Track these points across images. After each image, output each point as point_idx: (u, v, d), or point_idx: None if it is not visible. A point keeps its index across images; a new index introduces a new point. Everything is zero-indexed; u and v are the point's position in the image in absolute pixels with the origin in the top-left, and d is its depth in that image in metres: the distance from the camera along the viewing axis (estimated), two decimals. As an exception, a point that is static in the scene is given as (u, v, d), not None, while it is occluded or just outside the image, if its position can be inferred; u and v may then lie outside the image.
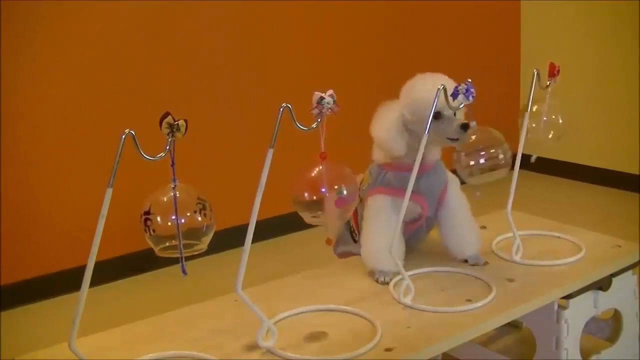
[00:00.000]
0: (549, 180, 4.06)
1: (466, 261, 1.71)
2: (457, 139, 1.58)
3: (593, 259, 1.73)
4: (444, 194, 1.71)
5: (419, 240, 1.79)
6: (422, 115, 1.55)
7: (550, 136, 1.75)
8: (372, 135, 1.67)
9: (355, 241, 1.81)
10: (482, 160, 1.58)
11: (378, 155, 1.72)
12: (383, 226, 1.64)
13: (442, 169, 1.72)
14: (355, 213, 1.78)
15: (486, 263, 1.71)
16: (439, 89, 1.43)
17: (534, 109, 1.74)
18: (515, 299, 1.54)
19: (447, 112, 1.58)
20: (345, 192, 1.32)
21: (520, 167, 1.71)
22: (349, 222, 1.83)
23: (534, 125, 1.74)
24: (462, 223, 1.72)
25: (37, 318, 2.73)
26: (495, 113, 4.13)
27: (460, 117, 1.59)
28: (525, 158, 1.75)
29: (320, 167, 1.31)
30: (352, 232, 1.83)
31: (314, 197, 1.32)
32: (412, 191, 1.51)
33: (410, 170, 1.50)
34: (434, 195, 1.69)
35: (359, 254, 1.70)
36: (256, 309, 1.32)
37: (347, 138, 3.48)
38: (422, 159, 1.56)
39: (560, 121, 1.74)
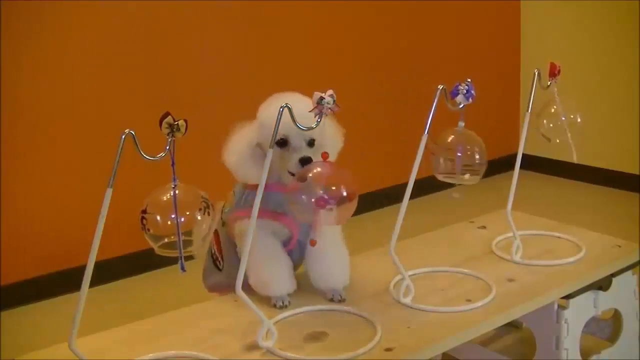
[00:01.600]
0: (549, 180, 4.06)
1: (331, 298, 1.54)
2: (293, 174, 1.44)
3: (593, 259, 1.73)
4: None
5: (296, 265, 1.59)
6: (267, 138, 1.37)
7: (569, 135, 1.72)
8: (224, 161, 1.52)
9: (219, 269, 1.65)
10: (457, 160, 1.48)
11: (238, 171, 1.56)
12: (262, 249, 1.49)
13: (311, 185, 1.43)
14: (217, 238, 1.63)
15: (344, 300, 1.53)
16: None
17: (552, 110, 1.71)
18: (515, 299, 1.54)
19: (295, 141, 1.45)
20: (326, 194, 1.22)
21: (521, 167, 1.71)
22: (210, 249, 1.66)
23: (551, 125, 1.72)
24: (328, 252, 1.54)
25: (37, 318, 2.73)
26: (495, 113, 4.15)
27: (334, 139, 1.50)
28: (526, 158, 1.75)
29: (319, 169, 1.28)
30: (215, 259, 1.66)
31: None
32: (279, 212, 1.46)
33: (274, 190, 1.42)
34: (297, 220, 1.49)
35: (229, 285, 1.52)
36: (256, 309, 1.32)
37: (346, 138, 3.48)
38: (281, 176, 1.48)
39: (579, 120, 1.72)
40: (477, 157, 1.48)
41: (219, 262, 1.65)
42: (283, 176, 1.48)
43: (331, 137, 1.52)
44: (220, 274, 1.65)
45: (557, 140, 1.71)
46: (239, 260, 1.41)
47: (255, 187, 1.33)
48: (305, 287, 1.63)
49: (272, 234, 1.53)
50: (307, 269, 1.57)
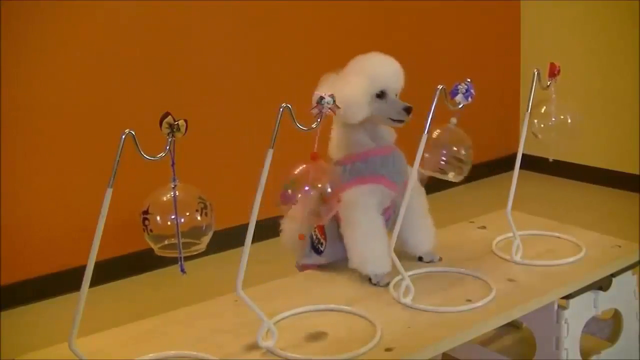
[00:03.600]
0: (549, 180, 4.06)
1: (420, 259, 1.70)
2: (401, 121, 1.61)
3: (593, 259, 1.73)
4: (406, 182, 1.57)
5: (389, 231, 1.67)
6: (372, 90, 1.61)
7: (560, 136, 1.73)
8: (340, 96, 1.45)
9: (319, 252, 1.71)
10: (442, 156, 1.52)
11: (337, 153, 1.67)
12: (364, 228, 1.60)
13: (403, 157, 1.67)
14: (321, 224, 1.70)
15: (440, 259, 1.70)
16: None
17: (543, 110, 1.72)
18: (515, 299, 1.54)
19: (392, 94, 1.63)
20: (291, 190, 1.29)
21: (521, 167, 1.71)
22: (311, 233, 1.73)
23: (542, 126, 1.73)
24: (418, 219, 1.68)
25: (37, 318, 2.73)
26: (495, 113, 4.15)
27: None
28: (526, 158, 1.75)
29: (304, 167, 1.30)
30: (317, 244, 1.72)
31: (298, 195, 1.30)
32: (382, 176, 1.55)
33: (371, 155, 1.56)
34: (401, 181, 1.63)
35: (325, 263, 1.69)
36: (256, 309, 1.32)
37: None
38: (381, 140, 1.64)
39: (570, 121, 1.73)
40: (463, 154, 1.51)
41: (321, 245, 1.70)
42: (381, 123, 1.65)
43: None
44: (319, 257, 1.71)
45: (539, 136, 1.72)
46: (341, 240, 1.63)
47: (356, 157, 1.60)
48: (305, 287, 1.63)
49: (376, 207, 1.61)
50: (403, 237, 1.65)
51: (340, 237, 1.66)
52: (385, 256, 1.57)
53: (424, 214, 1.71)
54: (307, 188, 1.29)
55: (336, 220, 1.66)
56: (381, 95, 1.62)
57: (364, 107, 1.61)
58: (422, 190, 1.71)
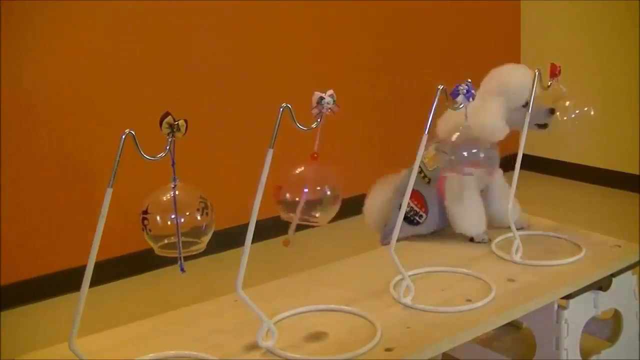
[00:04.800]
0: (549, 180, 4.06)
1: (520, 227, 1.86)
2: (546, 125, 1.81)
3: (593, 259, 1.73)
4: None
5: (487, 205, 1.92)
6: (518, 102, 1.79)
7: (581, 129, 1.79)
8: (479, 123, 1.73)
9: (417, 223, 1.90)
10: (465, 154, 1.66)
11: (446, 134, 1.77)
12: (469, 201, 1.85)
13: (496, 147, 1.84)
14: (419, 196, 1.88)
15: (528, 226, 1.90)
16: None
17: (567, 104, 1.80)
18: (515, 299, 1.54)
19: (534, 103, 1.77)
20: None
21: (521, 167, 1.71)
22: (408, 204, 1.88)
23: (565, 118, 1.80)
24: (503, 194, 1.89)
25: (37, 318, 2.73)
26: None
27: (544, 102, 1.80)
28: (526, 158, 1.75)
29: (303, 168, 1.30)
30: (414, 215, 1.89)
31: (296, 198, 1.30)
32: (481, 162, 1.68)
33: (474, 143, 1.67)
34: (493, 168, 1.86)
35: (428, 231, 1.89)
36: (256, 309, 1.32)
37: (347, 137, 3.48)
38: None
39: (592, 113, 1.80)
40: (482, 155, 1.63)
41: (419, 216, 1.90)
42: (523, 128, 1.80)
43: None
44: (415, 227, 1.90)
45: (559, 129, 1.78)
46: (442, 212, 1.88)
47: (464, 143, 1.70)
48: (305, 287, 1.63)
49: (476, 185, 1.86)
50: (492, 212, 1.90)
51: (441, 209, 1.88)
52: (484, 220, 1.86)
53: (507, 191, 1.86)
54: (305, 190, 1.28)
55: (439, 193, 1.88)
56: (526, 105, 1.77)
57: (503, 129, 1.80)
58: (501, 172, 1.93)
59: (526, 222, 1.91)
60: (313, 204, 1.30)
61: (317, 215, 1.32)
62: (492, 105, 1.79)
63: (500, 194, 1.91)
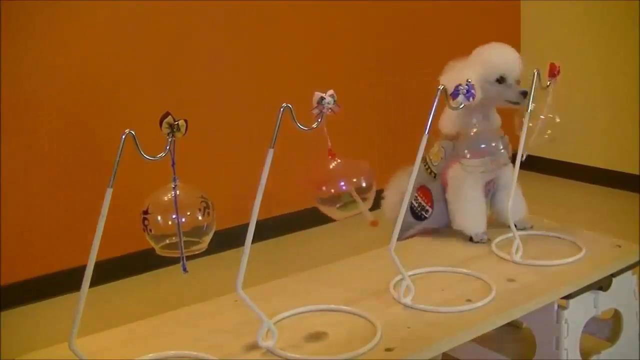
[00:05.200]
0: (549, 180, 4.06)
1: (523, 227, 1.86)
2: (517, 103, 1.77)
3: (593, 259, 1.73)
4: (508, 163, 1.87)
5: (493, 202, 1.92)
6: (491, 75, 1.79)
7: (546, 136, 1.76)
8: (456, 81, 1.68)
9: (423, 218, 1.91)
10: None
11: (449, 127, 1.83)
12: (469, 195, 1.82)
13: (507, 140, 1.85)
14: (426, 191, 1.90)
15: (532, 227, 1.88)
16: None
17: (532, 108, 1.74)
18: (515, 299, 1.54)
19: (511, 79, 1.78)
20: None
21: (521, 167, 1.71)
22: (411, 204, 1.91)
23: (530, 124, 1.75)
24: (509, 191, 1.81)
25: (37, 318, 2.73)
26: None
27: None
28: (526, 158, 1.75)
29: (337, 161, 1.31)
30: (421, 210, 1.91)
31: (332, 191, 1.32)
32: (487, 152, 1.75)
33: (480, 137, 1.74)
34: (503, 162, 1.84)
35: (436, 226, 1.89)
36: (256, 309, 1.32)
37: (347, 138, 3.48)
38: (490, 123, 1.83)
39: (558, 120, 1.75)
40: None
41: (425, 211, 1.90)
42: (497, 105, 1.83)
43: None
44: (423, 222, 1.91)
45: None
46: (446, 207, 1.87)
47: (457, 137, 1.81)
48: (305, 287, 1.63)
49: (479, 179, 1.83)
50: (498, 209, 1.89)
51: (445, 201, 1.87)
52: (484, 220, 1.84)
53: (514, 185, 1.82)
54: (342, 183, 1.29)
55: (443, 186, 1.88)
56: (500, 80, 1.78)
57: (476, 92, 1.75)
58: (511, 167, 1.85)
59: (530, 223, 1.90)
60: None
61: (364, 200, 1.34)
62: (471, 68, 1.80)
63: (507, 191, 1.87)
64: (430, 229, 1.92)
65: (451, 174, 1.85)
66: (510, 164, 1.87)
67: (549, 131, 1.76)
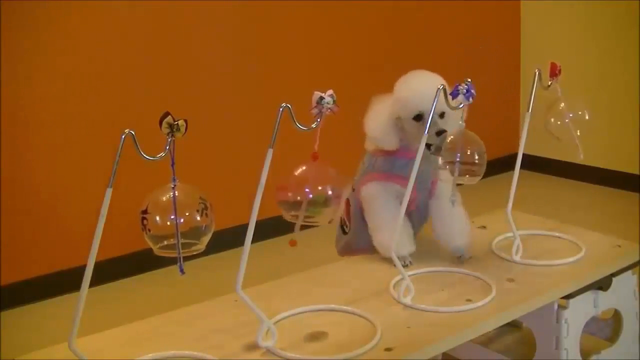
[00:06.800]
0: (549, 180, 4.06)
1: (459, 257, 1.71)
2: (430, 145, 1.60)
3: (593, 259, 1.73)
4: (434, 183, 1.73)
5: (417, 226, 1.79)
6: (408, 114, 1.64)
7: (578, 133, 1.75)
8: (365, 130, 1.71)
9: (345, 233, 1.84)
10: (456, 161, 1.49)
11: (369, 145, 1.75)
12: (384, 213, 1.69)
13: (435, 158, 1.64)
14: (347, 205, 1.81)
15: (470, 257, 1.71)
16: (438, 88, 1.44)
17: (561, 106, 1.73)
18: (515, 299, 1.54)
19: (428, 116, 1.56)
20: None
21: (521, 167, 1.71)
22: (341, 217, 1.85)
23: (559, 123, 1.74)
24: (450, 215, 1.72)
25: (37, 318, 2.73)
26: (495, 113, 4.15)
27: (457, 119, 1.54)
28: (526, 158, 1.75)
29: (304, 168, 1.30)
30: (343, 224, 1.85)
31: (297, 197, 1.29)
32: (400, 176, 1.60)
33: (398, 155, 1.61)
34: (423, 183, 1.69)
35: (355, 245, 1.78)
36: (256, 309, 1.32)
37: (347, 138, 3.48)
38: (411, 145, 1.67)
39: (587, 117, 1.75)
40: (476, 158, 1.47)
41: (346, 226, 1.82)
42: (416, 145, 1.59)
43: (455, 112, 1.53)
44: (345, 236, 1.83)
45: (556, 135, 1.73)
46: (364, 222, 1.73)
47: (382, 153, 1.69)
48: (305, 287, 1.63)
49: (394, 198, 1.68)
50: (435, 232, 1.74)
51: (364, 222, 1.75)
52: (407, 239, 1.68)
53: (457, 208, 1.72)
54: (307, 190, 1.29)
55: (357, 202, 1.77)
56: (418, 118, 1.65)
57: (392, 136, 1.68)
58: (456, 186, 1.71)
59: (469, 254, 1.71)
60: (314, 203, 1.30)
61: (316, 215, 1.31)
62: (381, 111, 1.68)
63: (445, 214, 1.72)
64: (354, 249, 1.81)
65: (364, 190, 1.73)
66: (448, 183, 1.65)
67: (579, 129, 1.75)
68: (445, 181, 1.69)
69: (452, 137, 1.49)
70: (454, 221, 1.72)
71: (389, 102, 1.69)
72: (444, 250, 1.73)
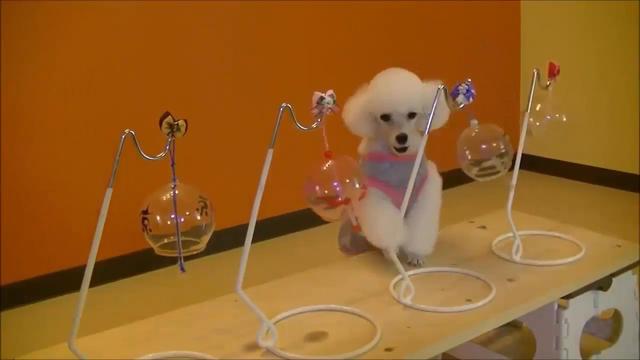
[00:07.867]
0: (549, 180, 4.06)
1: (409, 262, 1.69)
2: (395, 148, 1.63)
3: (593, 259, 1.73)
4: (419, 188, 1.71)
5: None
6: (377, 112, 1.65)
7: (554, 135, 1.74)
8: (345, 113, 1.69)
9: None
10: (483, 155, 1.52)
11: (360, 148, 1.76)
12: (375, 207, 1.66)
13: (422, 163, 1.67)
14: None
15: (421, 265, 1.68)
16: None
17: (537, 107, 1.73)
18: (515, 299, 1.54)
19: (396, 117, 1.63)
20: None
21: (520, 167, 1.71)
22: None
23: (537, 124, 1.73)
24: (419, 221, 1.70)
25: (37, 318, 2.73)
26: (496, 113, 4.15)
27: (441, 118, 1.60)
28: (526, 158, 1.75)
29: (330, 164, 1.30)
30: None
31: (326, 192, 1.30)
32: (383, 181, 1.61)
33: (382, 159, 1.61)
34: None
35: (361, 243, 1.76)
36: (256, 309, 1.32)
37: (347, 138, 3.48)
38: (385, 141, 1.66)
39: (564, 119, 1.74)
40: (502, 147, 1.51)
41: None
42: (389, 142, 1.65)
43: (437, 108, 1.49)
44: (353, 232, 1.79)
45: (533, 134, 1.73)
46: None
47: (369, 157, 1.69)
48: (305, 287, 1.63)
49: (383, 198, 1.67)
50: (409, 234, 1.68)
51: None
52: (398, 231, 1.63)
53: (429, 216, 1.72)
54: (335, 184, 1.29)
55: None
56: (385, 118, 1.65)
57: (363, 126, 1.69)
58: (434, 195, 1.73)
59: (422, 259, 1.69)
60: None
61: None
62: (359, 100, 1.68)
63: (417, 212, 1.70)
64: (353, 250, 1.82)
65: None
66: (434, 191, 1.74)
67: (556, 130, 1.74)
68: (430, 189, 1.72)
69: (475, 131, 1.49)
70: (419, 227, 1.69)
71: (364, 95, 1.70)
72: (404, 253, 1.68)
